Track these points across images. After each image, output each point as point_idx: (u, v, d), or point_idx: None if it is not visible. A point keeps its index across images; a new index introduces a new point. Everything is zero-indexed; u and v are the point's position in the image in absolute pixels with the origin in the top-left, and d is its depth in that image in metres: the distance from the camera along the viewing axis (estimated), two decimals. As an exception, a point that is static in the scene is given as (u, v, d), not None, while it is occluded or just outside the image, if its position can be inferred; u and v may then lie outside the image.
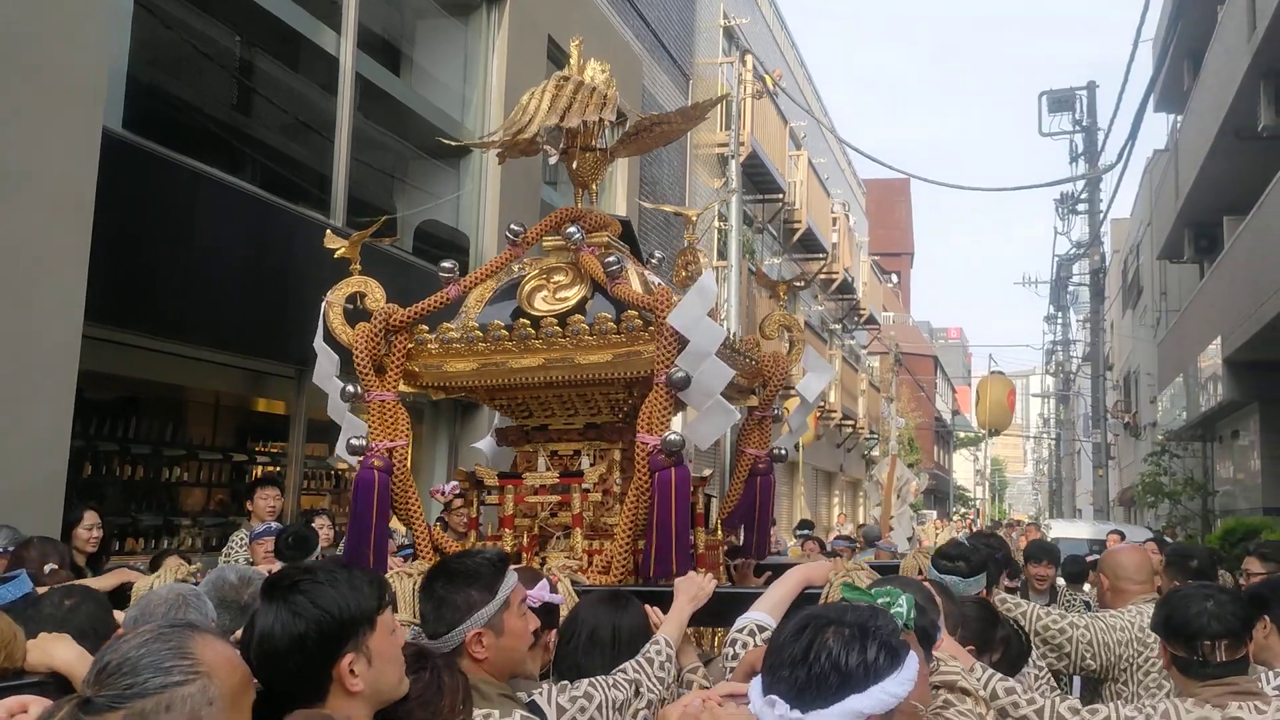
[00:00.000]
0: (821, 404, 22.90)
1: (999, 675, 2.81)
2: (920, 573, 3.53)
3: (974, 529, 30.81)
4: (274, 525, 6.01)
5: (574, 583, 3.16)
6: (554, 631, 2.77)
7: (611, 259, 3.44)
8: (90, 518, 5.22)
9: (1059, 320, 42.85)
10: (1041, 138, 25.37)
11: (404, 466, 3.47)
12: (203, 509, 7.46)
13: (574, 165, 3.81)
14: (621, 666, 2.63)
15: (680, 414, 3.68)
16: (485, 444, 4.25)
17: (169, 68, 6.81)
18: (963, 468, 74.28)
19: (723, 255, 15.72)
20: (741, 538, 4.32)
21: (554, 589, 2.87)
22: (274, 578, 1.95)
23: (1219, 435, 18.00)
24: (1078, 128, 24.94)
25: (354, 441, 3.46)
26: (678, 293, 3.52)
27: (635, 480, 3.29)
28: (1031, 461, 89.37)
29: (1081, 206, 25.77)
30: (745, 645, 2.65)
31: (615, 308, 3.42)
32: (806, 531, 10.83)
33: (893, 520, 14.95)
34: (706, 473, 4.32)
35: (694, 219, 4.40)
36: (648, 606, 2.90)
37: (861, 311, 27.70)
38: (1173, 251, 20.66)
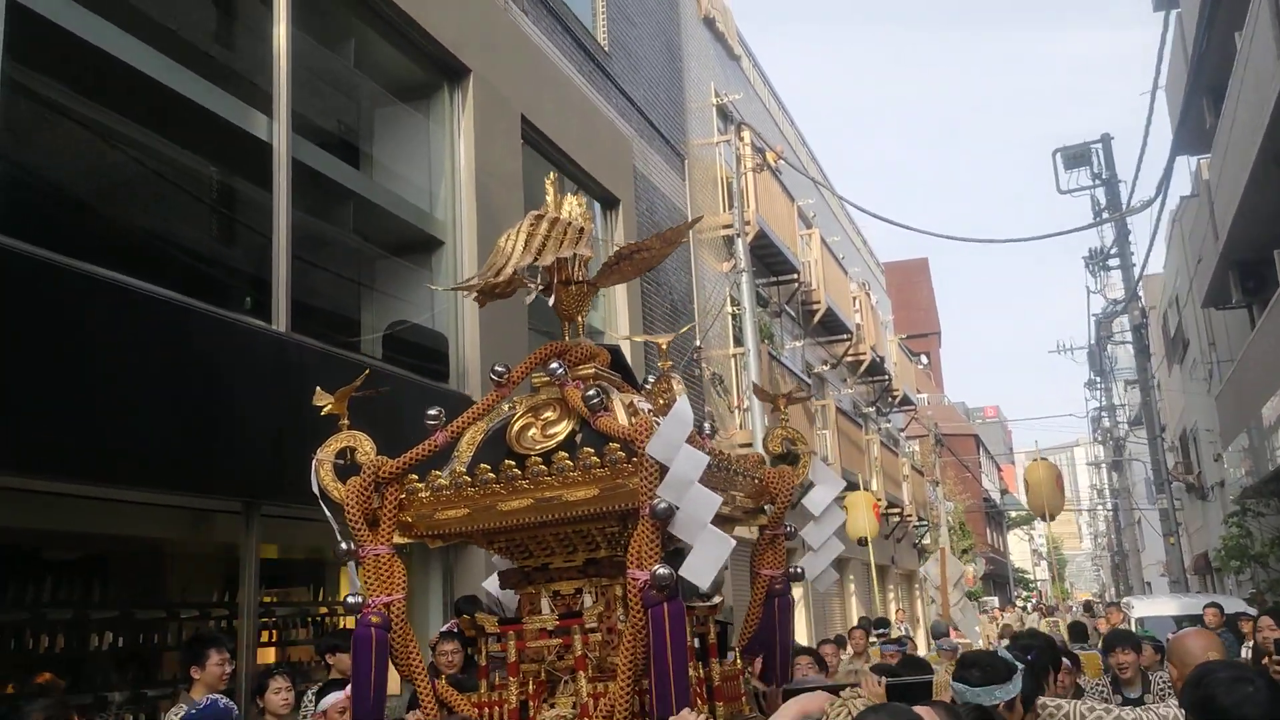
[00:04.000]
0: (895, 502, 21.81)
1: None
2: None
3: (1046, 613, 28.95)
4: (212, 702, 4.76)
5: None
6: None
7: (591, 393, 3.42)
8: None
9: (1100, 385, 41.40)
10: (1061, 196, 24.55)
11: (403, 620, 3.46)
12: (144, 680, 6.31)
13: (558, 300, 3.81)
14: None
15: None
16: (494, 583, 4.11)
17: (49, 156, 5.90)
18: (1018, 548, 71.87)
19: (739, 341, 14.71)
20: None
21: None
22: None
23: (1301, 488, 16.51)
24: (1097, 182, 24.04)
25: (351, 599, 3.47)
26: (660, 421, 3.41)
27: (630, 618, 3.21)
28: (1089, 536, 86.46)
29: (1113, 262, 24.69)
30: None
31: (602, 441, 3.39)
32: (898, 645, 9.41)
33: (954, 611, 13.84)
34: (717, 600, 3.95)
35: (665, 346, 4.35)
36: None
37: (895, 393, 26.48)
38: (1218, 297, 19.46)
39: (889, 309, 30.05)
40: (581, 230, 3.67)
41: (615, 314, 11.74)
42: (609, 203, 11.91)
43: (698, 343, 13.62)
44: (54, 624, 5.81)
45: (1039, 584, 70.62)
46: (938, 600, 12.92)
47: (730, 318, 14.97)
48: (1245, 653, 9.11)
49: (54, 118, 5.90)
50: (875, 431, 24.02)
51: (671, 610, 3.09)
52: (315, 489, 3.59)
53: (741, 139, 15.06)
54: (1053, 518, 33.70)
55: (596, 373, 3.72)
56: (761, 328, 15.61)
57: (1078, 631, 13.65)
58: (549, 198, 3.86)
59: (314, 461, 3.61)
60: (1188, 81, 17.80)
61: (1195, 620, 12.26)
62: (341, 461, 3.67)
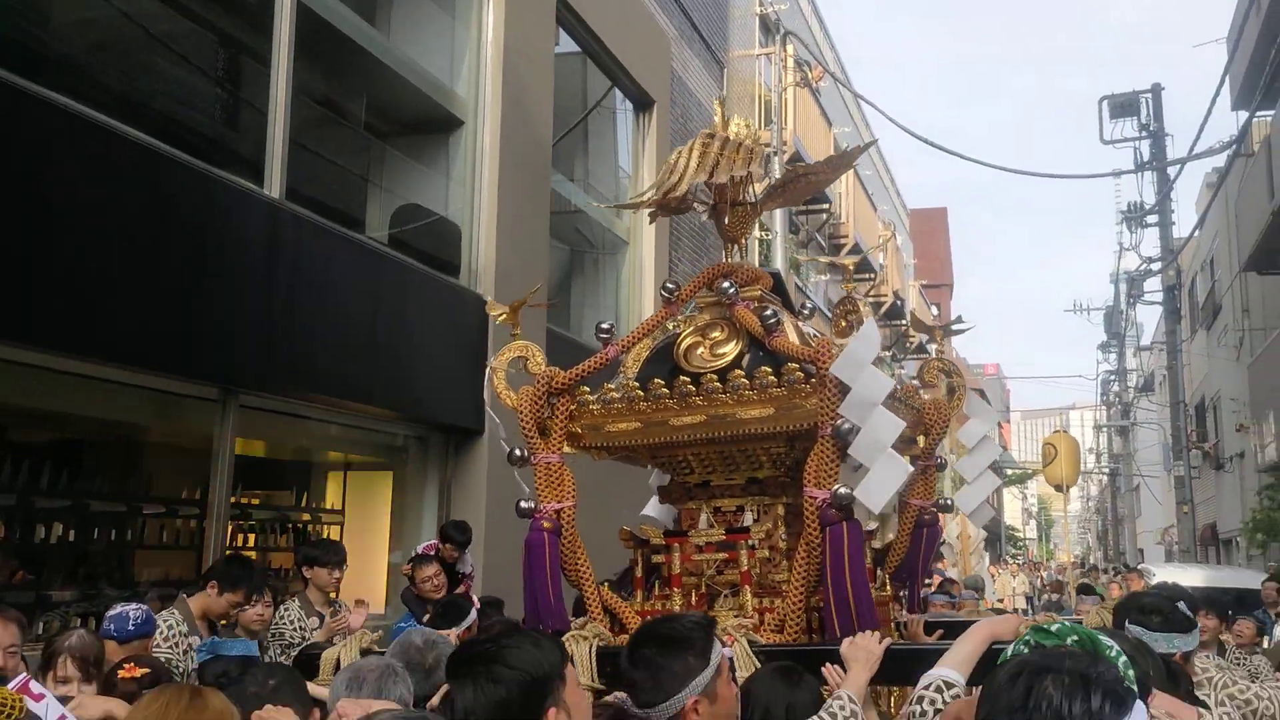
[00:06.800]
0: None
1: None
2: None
3: (1041, 572, 28.58)
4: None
5: (750, 643, 3.16)
6: None
7: (769, 313, 3.46)
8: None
9: (1114, 348, 40.62)
10: (1101, 152, 23.55)
11: (572, 527, 3.55)
12: (94, 577, 5.60)
13: (724, 221, 3.86)
14: None
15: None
16: (653, 507, 4.12)
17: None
18: (1010, 506, 71.71)
19: (765, 267, 13.87)
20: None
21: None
22: (461, 653, 2.06)
23: (1336, 464, 15.82)
24: (1144, 133, 22.95)
25: (523, 504, 3.53)
26: (837, 343, 3.47)
27: (805, 536, 3.31)
28: (1078, 499, 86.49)
29: (1149, 220, 23.71)
30: (933, 702, 2.59)
31: (773, 361, 3.42)
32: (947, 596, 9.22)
33: (972, 571, 13.62)
34: (873, 525, 4.03)
35: (851, 267, 4.64)
36: (827, 666, 2.95)
37: (911, 340, 25.65)
38: (1264, 261, 18.58)
39: (911, 253, 29.15)
40: (752, 152, 3.66)
41: (640, 229, 10.90)
42: (642, 103, 11.01)
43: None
44: (-4, 510, 5.07)
45: (1027, 542, 70.64)
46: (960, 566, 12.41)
47: (757, 243, 14.11)
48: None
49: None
50: (893, 376, 23.26)
51: (851, 530, 3.16)
52: (486, 396, 3.69)
53: (786, 50, 14.06)
54: (1068, 488, 33.73)
55: (762, 295, 3.72)
56: (790, 257, 14.77)
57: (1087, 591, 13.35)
58: (716, 118, 3.88)
59: (488, 370, 3.72)
60: (1261, 28, 16.74)
61: (1221, 593, 11.73)
62: (514, 371, 3.69)
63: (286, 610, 5.25)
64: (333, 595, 5.45)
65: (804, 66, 14.60)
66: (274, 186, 5.78)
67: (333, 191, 6.94)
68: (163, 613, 4.50)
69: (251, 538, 7.11)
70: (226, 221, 5.40)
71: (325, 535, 7.46)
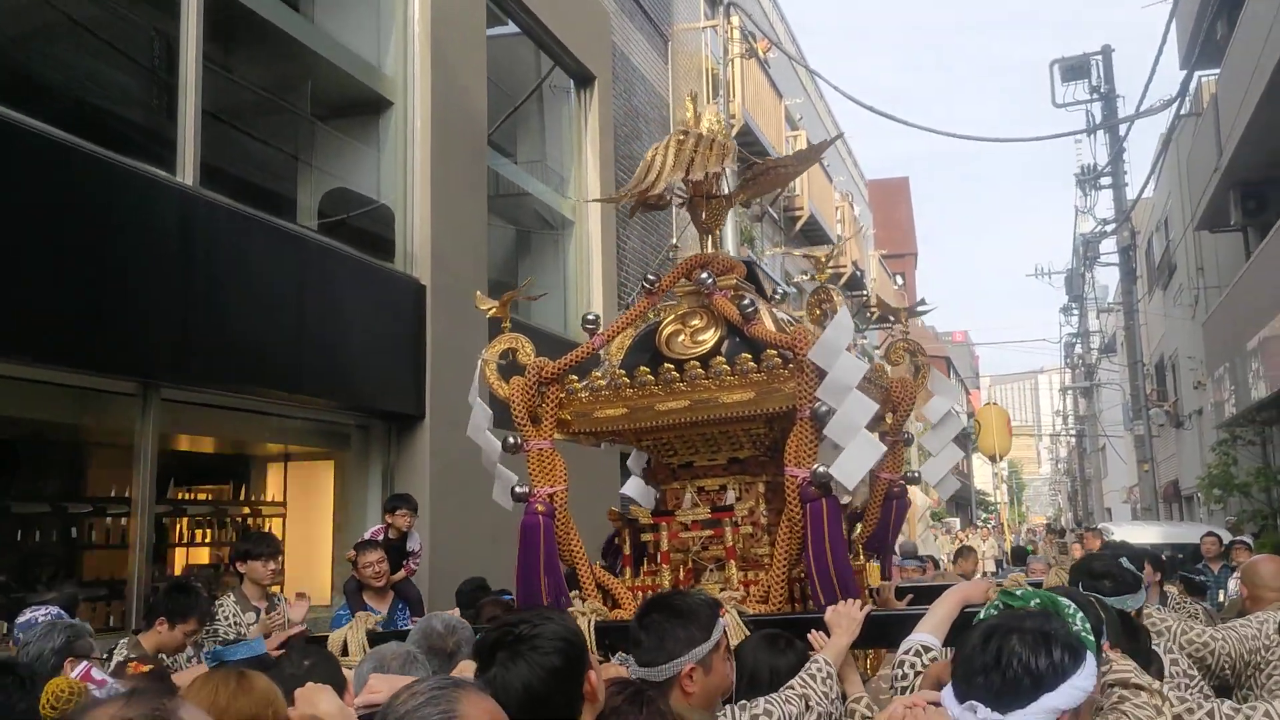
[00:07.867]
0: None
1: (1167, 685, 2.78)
2: None
3: (1008, 536, 28.82)
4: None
5: (740, 613, 3.32)
6: None
7: (746, 301, 3.62)
8: None
9: (1076, 311, 40.93)
10: (1055, 114, 23.60)
11: (564, 510, 3.70)
12: (17, 579, 5.46)
13: (701, 214, 4.01)
14: (789, 684, 2.83)
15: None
16: (632, 487, 4.36)
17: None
18: (981, 471, 72.32)
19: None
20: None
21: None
22: (498, 637, 2.08)
23: (1289, 417, 15.96)
24: (1095, 96, 23.06)
25: (518, 489, 3.68)
26: (813, 330, 3.66)
27: (787, 512, 3.46)
28: (1048, 461, 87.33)
29: (1104, 181, 23.83)
30: (913, 665, 2.84)
31: (752, 347, 3.59)
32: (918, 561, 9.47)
33: (918, 539, 13.93)
34: (848, 499, 4.14)
35: (824, 260, 4.61)
36: (813, 632, 3.10)
37: (872, 310, 25.70)
38: (1215, 219, 18.72)
39: (871, 223, 29.14)
40: (725, 147, 3.83)
41: (586, 207, 10.77)
42: (583, 80, 10.86)
43: (674, 240, 12.69)
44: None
45: (998, 506, 71.32)
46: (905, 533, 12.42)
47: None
48: (1234, 584, 8.56)
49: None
50: (850, 348, 23.29)
51: (830, 506, 3.35)
52: (475, 385, 3.82)
53: (730, 23, 13.94)
54: (1001, 458, 34.58)
55: (737, 284, 3.86)
56: (742, 230, 14.68)
57: (1019, 555, 13.61)
58: (689, 114, 4.01)
59: (479, 361, 3.83)
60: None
61: (1178, 549, 11.97)
62: (504, 362, 3.82)
63: (221, 605, 5.16)
64: (272, 589, 5.36)
65: (750, 38, 14.48)
66: (186, 173, 5.62)
67: (258, 177, 6.80)
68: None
69: (192, 534, 7.00)
70: (135, 212, 5.25)
71: (267, 528, 7.35)
